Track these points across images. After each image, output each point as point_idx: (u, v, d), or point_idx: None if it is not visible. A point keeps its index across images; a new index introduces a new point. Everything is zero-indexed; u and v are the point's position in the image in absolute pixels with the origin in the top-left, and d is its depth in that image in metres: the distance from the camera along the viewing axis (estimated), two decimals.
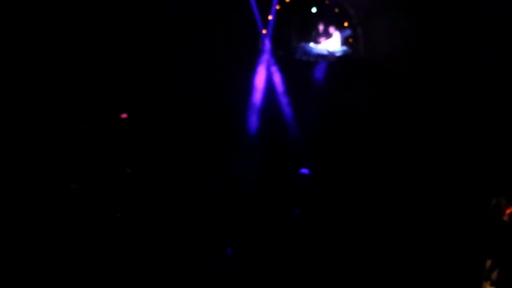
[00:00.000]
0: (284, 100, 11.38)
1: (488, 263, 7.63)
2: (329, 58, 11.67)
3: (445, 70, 10.91)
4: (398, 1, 11.20)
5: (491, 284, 7.44)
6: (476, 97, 10.64)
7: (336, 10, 11.58)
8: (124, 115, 10.65)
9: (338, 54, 11.65)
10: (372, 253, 9.20)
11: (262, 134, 11.15)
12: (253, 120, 11.20)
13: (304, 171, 10.10)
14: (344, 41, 11.69)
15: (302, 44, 11.68)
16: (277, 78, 11.45)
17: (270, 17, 11.46)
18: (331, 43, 11.67)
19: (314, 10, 11.60)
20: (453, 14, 10.80)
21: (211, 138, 10.62)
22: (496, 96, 10.52)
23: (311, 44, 11.64)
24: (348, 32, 11.67)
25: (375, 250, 9.27)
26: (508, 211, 7.91)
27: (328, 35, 11.67)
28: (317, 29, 11.65)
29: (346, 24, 11.62)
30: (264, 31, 11.45)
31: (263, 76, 11.40)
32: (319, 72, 11.56)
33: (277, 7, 11.46)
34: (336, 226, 9.58)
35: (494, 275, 7.50)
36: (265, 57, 11.45)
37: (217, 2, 10.96)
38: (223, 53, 11.06)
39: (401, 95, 11.08)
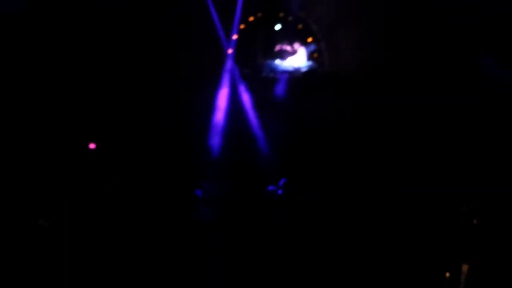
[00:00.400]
0: (252, 117, 11.46)
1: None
2: (295, 73, 11.83)
3: (411, 81, 11.04)
4: (360, 15, 11.43)
5: None
6: (443, 106, 10.82)
7: (300, 26, 11.78)
8: (92, 145, 10.66)
9: (303, 69, 11.82)
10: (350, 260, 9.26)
11: (231, 152, 11.19)
12: (221, 139, 11.24)
13: (272, 188, 10.19)
14: (309, 56, 11.88)
15: (268, 61, 11.83)
16: (244, 96, 11.55)
17: (234, 37, 11.62)
18: (297, 59, 11.84)
19: (278, 27, 11.79)
20: (418, 26, 11.00)
21: (177, 160, 10.66)
22: (465, 105, 10.70)
23: (277, 61, 11.80)
24: (312, 47, 11.86)
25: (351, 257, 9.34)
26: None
27: (293, 51, 11.84)
28: (282, 46, 11.81)
29: (310, 39, 11.81)
30: (229, 51, 11.59)
31: (230, 94, 11.49)
32: (285, 88, 11.68)
33: (241, 26, 11.63)
34: (314, 234, 9.62)
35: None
36: (232, 75, 11.55)
37: (181, 23, 11.09)
38: (188, 73, 11.18)
39: (367, 107, 11.24)
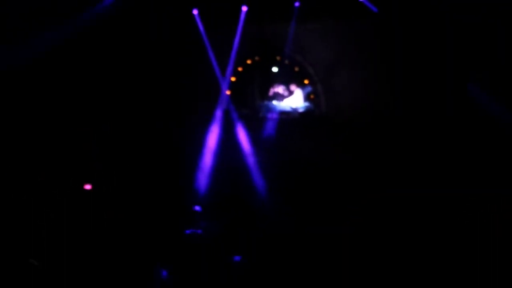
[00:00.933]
0: (250, 157, 11.72)
1: None
2: (293, 114, 12.14)
3: (406, 123, 11.28)
4: (356, 58, 11.78)
5: None
6: (438, 146, 10.98)
7: (296, 69, 12.18)
8: (87, 186, 10.87)
9: (300, 110, 12.14)
10: None
11: (228, 192, 11.24)
12: (219, 179, 11.39)
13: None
14: (306, 98, 12.22)
15: (266, 102, 12.19)
16: (243, 136, 11.85)
17: (233, 79, 12.05)
18: (294, 100, 12.19)
19: (275, 69, 12.20)
20: (412, 68, 11.28)
21: (175, 201, 10.82)
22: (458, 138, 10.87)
23: (274, 102, 12.15)
24: (309, 88, 12.21)
25: None
26: None
27: (290, 92, 12.21)
28: (279, 87, 12.18)
29: (306, 81, 12.18)
30: (228, 92, 12.00)
31: (228, 134, 11.79)
32: (275, 127, 11.95)
33: (240, 68, 12.07)
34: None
35: None
36: (230, 116, 11.90)
37: (180, 65, 11.54)
38: (188, 114, 11.56)
39: (363, 147, 11.44)
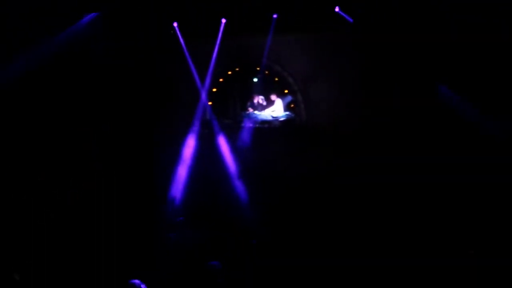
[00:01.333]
0: (231, 167, 11.90)
1: None
2: (273, 123, 12.38)
3: (386, 131, 11.51)
4: (334, 67, 12.06)
5: None
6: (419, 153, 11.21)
7: (276, 79, 12.45)
8: None
9: (281, 119, 12.38)
10: None
11: (209, 202, 11.38)
12: (199, 188, 11.50)
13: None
14: (286, 107, 12.48)
15: (247, 111, 12.42)
16: (224, 145, 12.04)
17: (214, 90, 12.31)
18: (274, 109, 12.44)
19: (255, 80, 12.47)
20: (393, 77, 11.55)
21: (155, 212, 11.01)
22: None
23: (255, 112, 12.40)
24: (289, 98, 12.47)
25: None
26: None
27: (270, 102, 12.46)
28: (260, 97, 12.44)
29: (286, 91, 12.45)
30: (210, 103, 12.24)
31: (210, 144, 11.98)
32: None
33: (221, 79, 12.33)
34: None
35: None
36: (212, 126, 12.12)
37: (162, 75, 11.79)
38: (169, 126, 11.76)
39: (343, 155, 11.61)
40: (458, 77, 10.93)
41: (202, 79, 11.89)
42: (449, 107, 11.07)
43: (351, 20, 11.41)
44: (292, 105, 12.47)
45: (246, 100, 12.50)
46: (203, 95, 11.95)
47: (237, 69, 12.39)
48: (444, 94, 11.15)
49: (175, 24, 11.59)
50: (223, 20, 11.56)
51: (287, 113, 12.41)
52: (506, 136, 10.52)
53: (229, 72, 12.37)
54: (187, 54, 11.69)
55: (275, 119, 12.38)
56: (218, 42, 11.63)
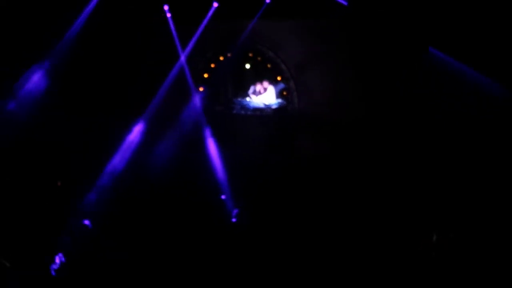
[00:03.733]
0: (222, 153, 11.72)
1: None
2: (266, 110, 12.20)
3: (378, 117, 11.39)
4: (327, 54, 11.87)
5: None
6: (414, 140, 11.06)
7: (269, 65, 12.24)
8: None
9: (274, 106, 12.20)
10: None
11: (201, 188, 11.21)
12: (190, 177, 11.35)
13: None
14: (279, 94, 12.28)
15: (239, 99, 12.23)
16: (216, 132, 11.85)
17: (206, 75, 12.10)
18: (267, 97, 12.25)
19: (247, 66, 12.26)
20: (385, 63, 11.37)
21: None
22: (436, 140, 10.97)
23: (248, 99, 12.20)
24: (281, 85, 12.28)
25: None
26: None
27: (263, 89, 12.26)
28: (252, 84, 12.25)
29: (279, 78, 12.25)
30: (201, 89, 12.03)
31: (202, 132, 11.81)
32: (256, 124, 12.00)
33: (212, 65, 12.12)
34: None
35: None
36: (203, 113, 11.92)
37: (152, 60, 11.61)
38: (161, 110, 11.59)
39: (337, 142, 11.53)
40: (453, 40, 10.52)
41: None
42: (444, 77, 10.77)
43: (345, 3, 11.20)
44: (285, 93, 12.28)
45: (238, 87, 12.31)
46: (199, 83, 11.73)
47: (229, 55, 12.18)
48: (438, 59, 10.80)
49: (165, 7, 11.38)
50: (215, 4, 11.36)
51: (280, 100, 12.24)
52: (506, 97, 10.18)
53: (221, 58, 12.17)
54: (176, 38, 11.50)
55: (268, 106, 12.20)
56: (204, 23, 11.36)
